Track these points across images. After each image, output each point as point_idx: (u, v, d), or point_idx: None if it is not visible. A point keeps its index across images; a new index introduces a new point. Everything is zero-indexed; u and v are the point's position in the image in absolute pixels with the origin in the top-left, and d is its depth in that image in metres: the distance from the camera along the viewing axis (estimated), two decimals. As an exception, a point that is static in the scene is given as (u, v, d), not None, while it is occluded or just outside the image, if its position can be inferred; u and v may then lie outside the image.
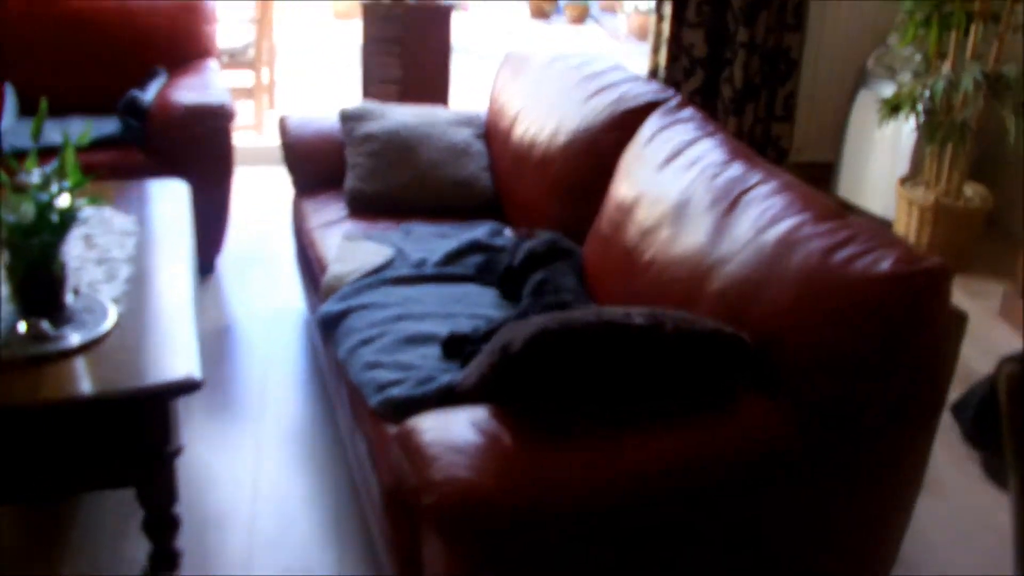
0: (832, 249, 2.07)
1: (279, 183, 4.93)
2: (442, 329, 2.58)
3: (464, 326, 2.61)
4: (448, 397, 2.23)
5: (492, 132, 3.55)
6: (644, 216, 2.58)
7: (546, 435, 1.94)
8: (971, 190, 4.53)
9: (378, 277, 2.85)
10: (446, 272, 2.92)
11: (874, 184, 4.89)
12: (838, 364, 1.99)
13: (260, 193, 4.77)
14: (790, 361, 2.05)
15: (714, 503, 1.96)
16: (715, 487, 1.96)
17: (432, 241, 3.13)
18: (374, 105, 3.54)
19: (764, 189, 2.33)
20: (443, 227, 3.26)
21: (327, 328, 2.73)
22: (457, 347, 2.49)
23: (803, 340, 2.04)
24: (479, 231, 3.21)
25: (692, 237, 2.37)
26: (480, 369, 2.07)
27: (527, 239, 3.13)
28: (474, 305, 2.76)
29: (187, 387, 2.22)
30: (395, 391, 2.30)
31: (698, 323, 2.03)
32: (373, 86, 4.46)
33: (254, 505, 2.79)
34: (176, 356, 2.29)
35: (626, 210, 2.68)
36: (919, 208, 4.43)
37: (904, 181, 4.62)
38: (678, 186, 2.53)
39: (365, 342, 2.55)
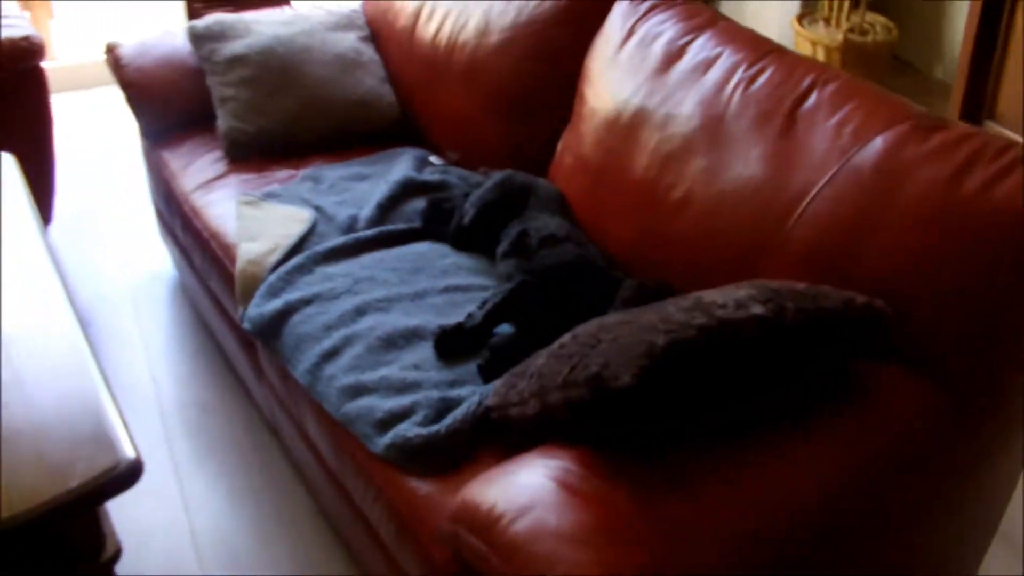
0: (957, 175, 1.63)
1: (92, 113, 4.05)
2: (418, 317, 2.01)
3: (444, 308, 2.05)
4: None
5: (383, 32, 2.87)
6: (656, 139, 2.04)
7: (663, 484, 1.45)
8: (873, 22, 4.17)
9: (308, 254, 2.22)
10: (388, 231, 2.32)
11: (764, 25, 4.46)
12: (991, 329, 1.57)
13: (72, 130, 3.88)
14: (925, 327, 1.62)
15: (881, 513, 1.54)
16: (880, 496, 1.54)
17: (351, 188, 2.49)
18: (230, 17, 2.77)
19: (823, 95, 1.85)
20: (355, 165, 2.61)
21: (264, 337, 2.10)
22: (453, 343, 1.93)
23: (940, 299, 1.61)
24: (402, 165, 2.59)
25: (744, 166, 1.87)
26: (546, 401, 1.54)
27: (459, 168, 2.55)
28: (441, 273, 2.18)
29: (127, 478, 1.58)
30: (408, 431, 1.74)
31: (820, 298, 1.55)
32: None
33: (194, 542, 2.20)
34: (99, 431, 1.62)
35: (621, 130, 2.13)
36: (825, 48, 4.06)
37: (801, 19, 4.22)
38: (696, 98, 2.00)
39: (329, 355, 1.95)
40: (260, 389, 2.32)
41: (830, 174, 1.73)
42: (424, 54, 2.67)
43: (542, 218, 2.20)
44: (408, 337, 1.96)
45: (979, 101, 3.63)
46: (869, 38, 4.07)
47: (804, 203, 1.75)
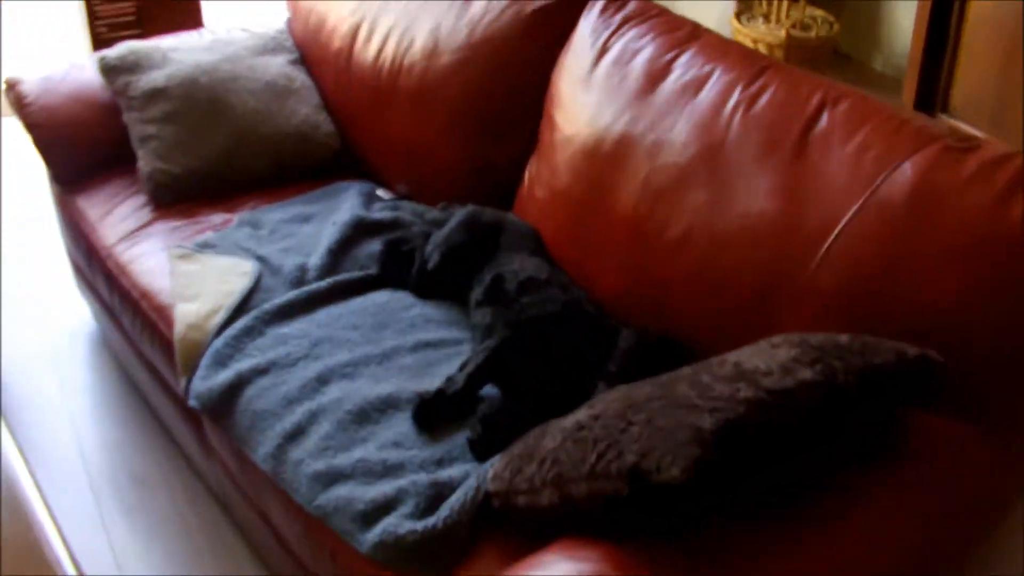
0: (1001, 200, 1.46)
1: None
2: (390, 383, 1.79)
3: (417, 370, 1.82)
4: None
5: (315, 55, 2.61)
6: (646, 169, 1.84)
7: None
8: (814, 16, 4.05)
9: (255, 314, 1.97)
10: (342, 281, 2.08)
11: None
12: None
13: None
14: (972, 370, 1.45)
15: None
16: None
17: (295, 232, 2.24)
18: (144, 45, 2.49)
19: (836, 116, 1.66)
20: (295, 205, 2.36)
21: (214, 414, 1.84)
22: (434, 413, 1.70)
23: (990, 339, 1.44)
24: (348, 202, 2.35)
25: (751, 200, 1.68)
26: (568, 492, 1.33)
27: (412, 203, 2.32)
28: (408, 327, 1.95)
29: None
30: (399, 526, 1.51)
31: (869, 353, 1.36)
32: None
33: None
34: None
35: (603, 159, 1.92)
36: (767, 45, 3.92)
37: (739, 16, 4.08)
38: (689, 122, 1.80)
39: (294, 436, 1.71)
40: (208, 464, 2.06)
41: (855, 207, 1.55)
42: (365, 78, 2.42)
43: (517, 259, 1.98)
44: (382, 408, 1.73)
45: (932, 94, 3.52)
46: (812, 33, 3.94)
47: (828, 241, 1.56)
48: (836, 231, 1.56)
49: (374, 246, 2.16)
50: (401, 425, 1.70)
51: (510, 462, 1.47)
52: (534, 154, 2.13)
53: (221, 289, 2.02)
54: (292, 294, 2.01)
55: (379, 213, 2.28)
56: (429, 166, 2.33)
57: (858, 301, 1.53)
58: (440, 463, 1.62)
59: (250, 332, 1.92)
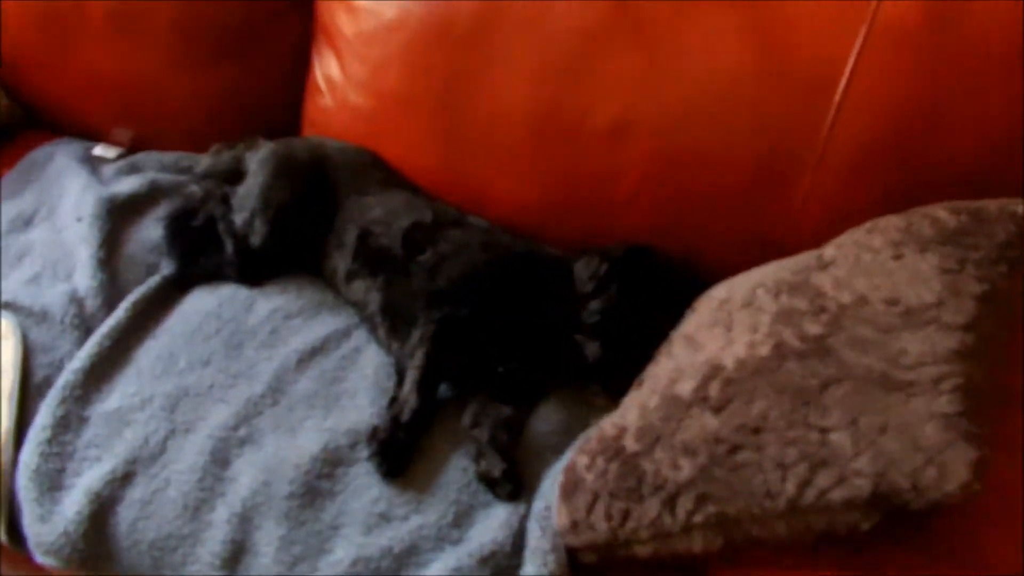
0: None
1: None
2: (310, 429, 1.34)
3: (326, 396, 1.38)
4: None
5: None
6: (534, 44, 1.44)
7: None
8: None
9: (59, 394, 1.36)
10: (141, 299, 1.49)
11: None
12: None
13: None
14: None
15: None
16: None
17: (31, 247, 1.59)
18: None
19: None
20: (3, 202, 1.66)
21: (87, 563, 1.27)
22: (397, 450, 1.28)
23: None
24: (68, 177, 1.71)
25: (712, 55, 1.33)
26: (749, 537, 1.02)
27: (153, 154, 1.74)
28: (271, 335, 1.46)
29: None
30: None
31: (987, 229, 1.12)
32: None
33: None
34: None
35: (459, 43, 1.47)
36: None
37: None
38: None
39: (234, 558, 1.22)
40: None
41: (859, 41, 1.25)
42: (36, 7, 1.69)
43: (373, 201, 1.51)
44: (326, 472, 1.27)
45: None
46: None
47: (839, 90, 1.26)
48: (846, 75, 1.25)
49: (150, 233, 1.57)
50: (365, 484, 1.25)
51: (598, 504, 1.10)
52: (322, 54, 1.61)
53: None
54: (89, 346, 1.40)
55: (125, 183, 1.66)
56: (156, 106, 1.72)
57: (891, 156, 1.26)
58: (459, 523, 1.21)
59: (67, 425, 1.32)
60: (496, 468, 1.22)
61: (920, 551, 0.96)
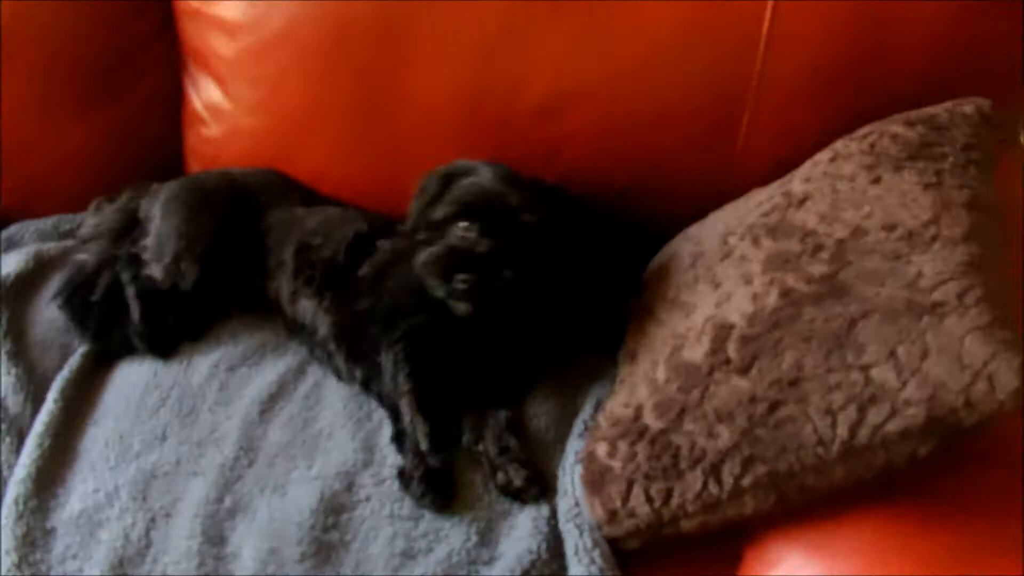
0: None
1: None
2: (307, 488, 1.25)
3: (310, 443, 1.30)
4: None
5: None
6: (448, 28, 1.38)
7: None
8: None
9: (13, 507, 1.23)
10: (69, 380, 1.37)
11: None
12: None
13: None
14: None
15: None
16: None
17: None
18: None
19: None
20: None
21: None
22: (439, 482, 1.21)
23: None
24: None
25: (637, 15, 1.30)
26: (803, 488, 1.01)
27: (31, 222, 1.61)
28: (220, 391, 1.37)
29: None
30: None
31: (942, 133, 1.14)
32: None
33: None
34: None
35: (364, 40, 1.41)
36: None
37: None
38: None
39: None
40: None
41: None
42: None
43: (305, 213, 1.43)
44: (331, 524, 1.19)
45: None
46: None
47: (765, 20, 1.25)
48: (769, 6, 1.24)
49: (51, 311, 1.44)
50: (375, 525, 1.19)
51: (634, 489, 1.07)
52: (196, 81, 1.50)
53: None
54: (28, 449, 1.27)
55: (6, 262, 1.52)
56: (20, 169, 1.57)
57: (827, 79, 1.26)
58: (485, 541, 1.16)
59: (32, 542, 1.19)
60: (518, 477, 1.17)
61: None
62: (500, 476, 1.18)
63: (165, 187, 1.46)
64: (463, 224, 1.22)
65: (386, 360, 1.27)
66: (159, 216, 1.43)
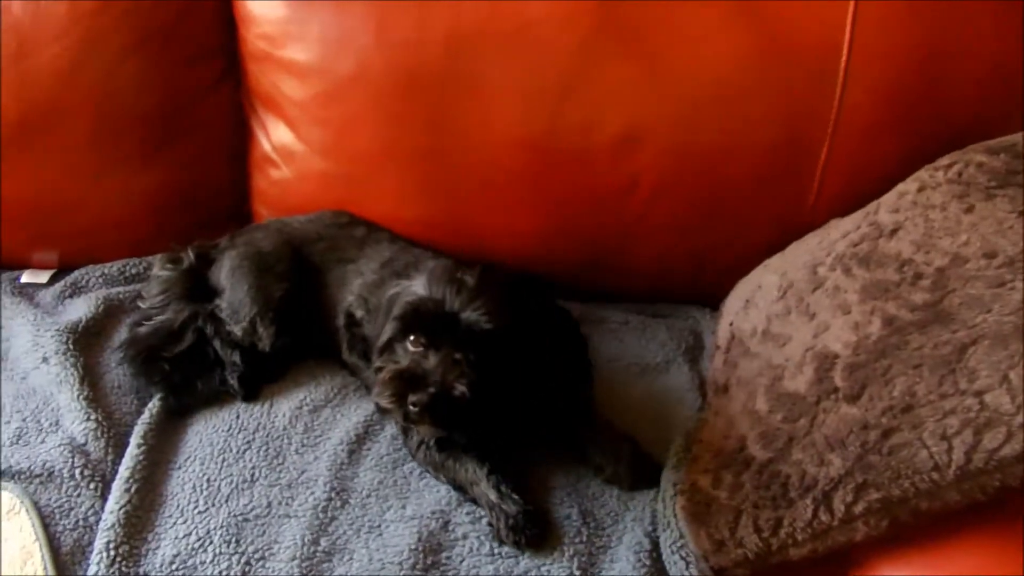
0: None
1: None
2: (406, 527, 1.25)
3: (404, 480, 1.31)
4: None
5: None
6: (514, 68, 1.39)
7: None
8: None
9: (103, 563, 1.22)
10: (148, 431, 1.36)
11: None
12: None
13: None
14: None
15: None
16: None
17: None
18: None
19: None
20: None
21: None
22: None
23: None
24: (8, 316, 1.53)
25: (706, 46, 1.32)
26: (917, 511, 1.02)
27: (94, 268, 1.61)
28: (305, 433, 1.38)
29: None
30: None
31: None
32: None
33: None
34: None
35: (433, 82, 1.43)
36: None
37: None
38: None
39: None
40: None
41: (853, 4, 1.27)
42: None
43: (353, 271, 1.44)
44: (432, 563, 1.21)
45: None
46: None
47: (844, 52, 1.27)
48: (847, 41, 1.27)
49: (113, 374, 1.43)
50: (475, 563, 1.20)
51: (743, 519, 1.08)
52: (266, 124, 1.51)
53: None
54: (116, 495, 1.27)
55: (74, 308, 1.53)
56: (82, 219, 1.58)
57: (904, 110, 1.29)
58: (589, 574, 1.16)
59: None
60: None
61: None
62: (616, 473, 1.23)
63: (226, 256, 1.48)
64: (411, 338, 1.22)
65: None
66: (228, 287, 1.45)
